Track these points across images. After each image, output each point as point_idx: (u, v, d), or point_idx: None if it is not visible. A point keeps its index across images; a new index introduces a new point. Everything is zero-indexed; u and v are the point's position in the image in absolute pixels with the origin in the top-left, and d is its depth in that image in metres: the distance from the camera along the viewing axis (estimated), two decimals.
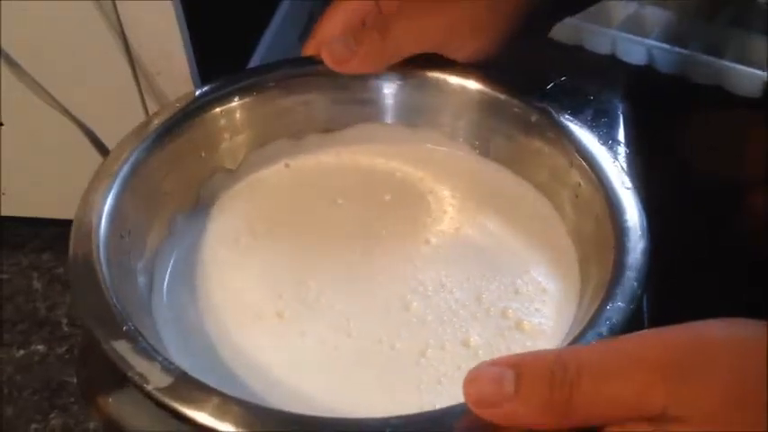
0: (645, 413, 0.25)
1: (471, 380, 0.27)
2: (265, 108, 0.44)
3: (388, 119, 0.45)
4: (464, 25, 0.42)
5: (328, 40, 0.42)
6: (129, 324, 0.31)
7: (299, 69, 0.44)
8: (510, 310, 0.37)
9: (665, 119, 0.62)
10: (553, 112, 0.41)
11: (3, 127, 0.47)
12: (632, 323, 0.32)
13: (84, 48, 0.44)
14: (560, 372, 0.26)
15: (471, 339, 0.36)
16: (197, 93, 0.42)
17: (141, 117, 0.46)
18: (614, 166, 0.38)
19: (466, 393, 0.27)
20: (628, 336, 0.27)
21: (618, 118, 0.56)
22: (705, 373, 0.25)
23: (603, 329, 0.31)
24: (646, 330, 0.27)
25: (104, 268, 0.34)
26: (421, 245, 0.40)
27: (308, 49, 0.45)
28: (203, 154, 0.42)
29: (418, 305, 0.37)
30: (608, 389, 0.26)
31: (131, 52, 0.44)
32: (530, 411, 0.26)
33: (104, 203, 0.36)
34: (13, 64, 0.42)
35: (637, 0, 0.64)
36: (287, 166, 0.45)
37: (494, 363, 0.27)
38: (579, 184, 0.39)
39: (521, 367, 0.27)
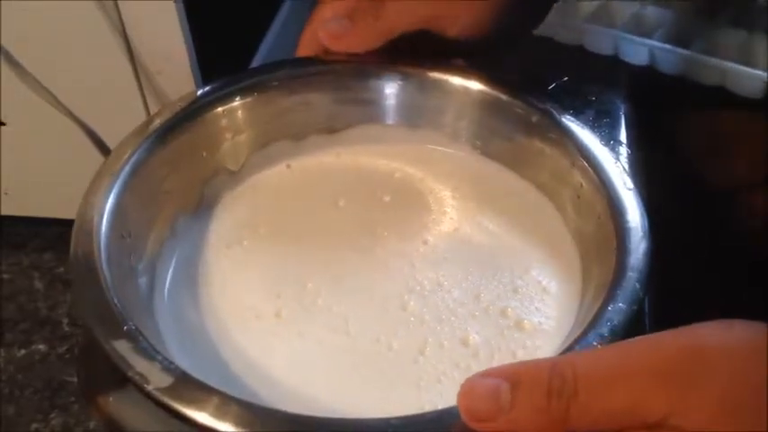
0: (644, 421, 0.25)
1: (465, 392, 0.27)
2: (267, 108, 0.44)
3: (390, 119, 0.45)
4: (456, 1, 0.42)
5: (324, 20, 0.43)
6: (130, 324, 0.31)
7: (301, 69, 0.44)
8: (509, 309, 0.37)
9: (667, 119, 0.62)
10: (555, 112, 0.41)
11: (4, 126, 0.48)
12: (634, 324, 0.32)
13: (85, 47, 0.44)
14: (558, 382, 0.26)
15: (470, 338, 0.36)
16: (198, 92, 0.42)
17: (142, 117, 0.46)
18: (616, 166, 0.38)
19: (461, 407, 0.27)
20: (625, 342, 0.27)
21: (619, 118, 0.56)
22: (705, 379, 0.25)
23: (605, 330, 0.31)
24: (643, 336, 0.27)
25: (105, 268, 0.34)
26: (420, 245, 0.40)
27: (305, 35, 0.45)
28: (205, 154, 0.42)
29: (415, 304, 0.37)
30: (606, 398, 0.25)
31: (133, 52, 0.44)
32: (527, 423, 0.26)
33: (106, 203, 0.36)
34: (14, 63, 0.42)
35: (639, 0, 0.64)
36: (288, 166, 0.45)
37: (487, 374, 0.27)
38: (581, 185, 0.39)
39: (516, 378, 0.26)
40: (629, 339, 0.27)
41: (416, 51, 0.45)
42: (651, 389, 0.25)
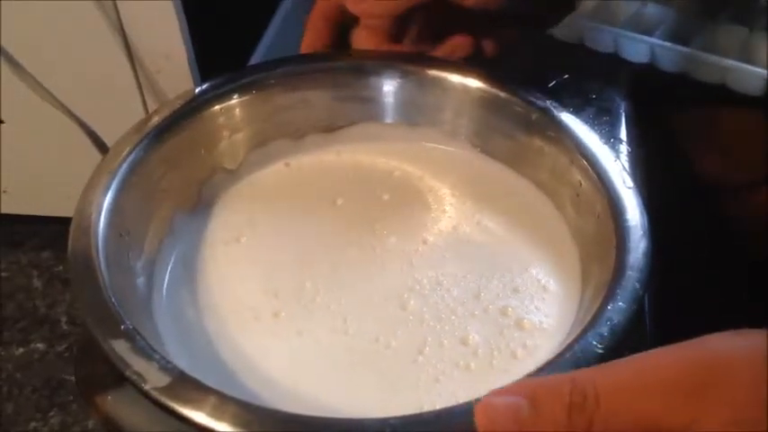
0: None
1: (483, 410, 0.26)
2: (265, 106, 0.43)
3: (389, 117, 0.45)
4: None
5: None
6: (128, 323, 0.31)
7: (300, 67, 0.44)
8: (509, 308, 0.37)
9: (668, 117, 0.62)
10: (554, 110, 0.41)
11: (3, 125, 0.47)
12: (633, 323, 0.32)
13: (84, 46, 0.44)
14: (579, 398, 0.25)
15: (470, 337, 0.35)
16: (196, 90, 0.42)
17: (141, 115, 0.45)
18: (615, 164, 0.38)
19: (479, 424, 0.26)
20: (644, 355, 0.27)
21: (620, 116, 0.56)
22: (722, 387, 0.25)
23: (604, 330, 0.31)
24: (660, 349, 0.26)
25: (103, 267, 0.34)
26: (419, 244, 0.40)
27: None
28: (203, 152, 0.42)
29: (415, 303, 0.37)
30: (628, 413, 0.25)
31: (132, 51, 0.44)
32: None
33: (103, 201, 0.36)
34: (13, 63, 0.42)
35: None
36: (287, 165, 0.45)
37: (505, 391, 0.27)
38: (580, 183, 0.39)
39: (534, 393, 0.26)
40: (647, 352, 0.27)
41: (431, 27, 0.45)
42: (671, 402, 0.25)
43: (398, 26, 0.45)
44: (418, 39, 0.45)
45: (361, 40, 0.46)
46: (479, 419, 0.26)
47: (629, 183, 0.37)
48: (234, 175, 0.43)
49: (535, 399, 0.26)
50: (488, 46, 0.45)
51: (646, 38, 0.60)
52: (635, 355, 0.27)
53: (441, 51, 0.45)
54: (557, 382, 0.26)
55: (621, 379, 0.26)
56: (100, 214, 0.36)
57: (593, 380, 0.26)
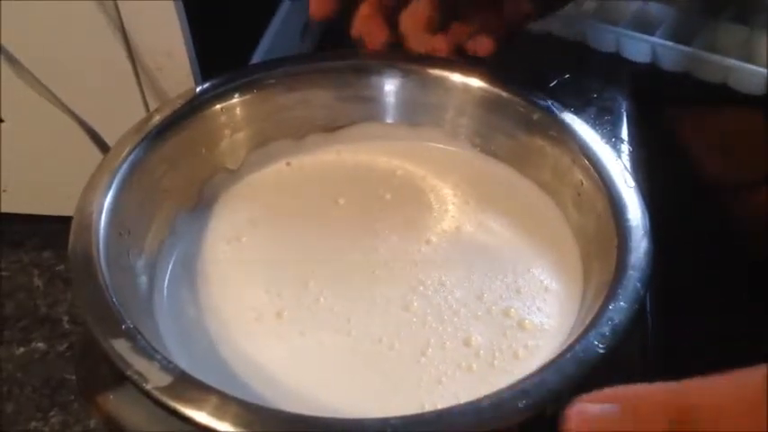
0: None
1: (578, 414, 0.26)
2: (266, 105, 0.43)
3: (390, 117, 0.45)
4: None
5: None
6: (128, 322, 0.31)
7: (301, 66, 0.44)
8: (512, 309, 0.37)
9: (669, 117, 0.62)
10: (556, 109, 0.41)
11: (3, 124, 0.47)
12: (635, 323, 0.32)
13: (84, 44, 0.44)
14: (676, 414, 0.25)
15: (473, 338, 0.35)
16: (197, 89, 0.42)
17: (142, 114, 0.45)
18: (617, 164, 0.38)
19: (574, 428, 0.26)
20: (740, 372, 0.26)
21: (621, 116, 0.56)
22: None
23: (606, 330, 0.31)
24: (758, 366, 0.26)
25: (104, 266, 0.33)
26: (422, 244, 0.40)
27: None
28: (204, 151, 0.42)
29: (418, 304, 0.37)
30: (728, 429, 0.25)
31: (132, 49, 0.44)
32: None
33: (104, 200, 0.36)
34: (13, 61, 0.42)
35: None
36: (288, 164, 0.45)
37: (595, 398, 0.26)
38: (582, 183, 0.39)
39: (634, 403, 0.25)
40: (744, 369, 0.26)
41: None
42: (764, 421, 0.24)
43: (402, 2, 0.44)
44: (420, 24, 0.45)
45: (363, 12, 0.45)
46: (575, 423, 0.26)
47: (631, 182, 0.37)
48: (235, 174, 0.43)
49: (636, 408, 0.25)
50: (482, 45, 0.45)
51: (647, 37, 0.60)
52: (736, 371, 0.26)
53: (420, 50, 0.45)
54: (658, 393, 0.26)
55: (723, 395, 0.25)
56: (101, 213, 0.36)
57: (696, 393, 0.25)
